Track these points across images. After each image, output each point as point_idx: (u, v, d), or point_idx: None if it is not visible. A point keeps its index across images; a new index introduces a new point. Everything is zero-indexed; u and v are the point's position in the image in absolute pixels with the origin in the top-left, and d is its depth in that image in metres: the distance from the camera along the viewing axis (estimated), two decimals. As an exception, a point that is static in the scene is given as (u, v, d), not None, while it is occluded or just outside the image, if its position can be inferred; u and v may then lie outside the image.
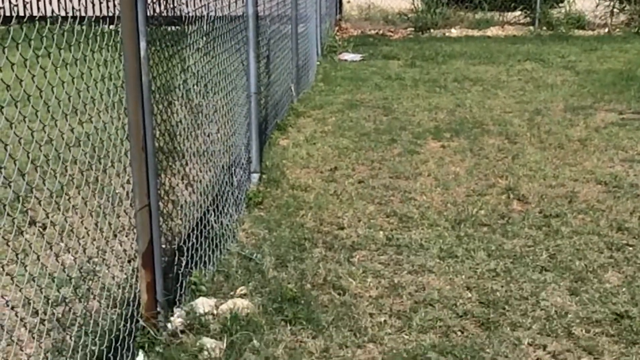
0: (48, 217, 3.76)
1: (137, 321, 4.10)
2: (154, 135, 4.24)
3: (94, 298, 4.01)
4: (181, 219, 4.97)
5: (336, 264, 5.72)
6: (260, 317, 4.62)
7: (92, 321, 3.83)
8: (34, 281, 3.55)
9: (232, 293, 5.00)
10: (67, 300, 4.06)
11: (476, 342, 4.57)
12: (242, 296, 4.96)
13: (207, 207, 5.60)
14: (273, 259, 5.71)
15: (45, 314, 4.20)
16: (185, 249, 4.83)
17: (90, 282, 4.19)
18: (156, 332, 4.10)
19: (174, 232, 4.83)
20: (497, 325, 4.79)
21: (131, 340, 4.01)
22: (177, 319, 4.30)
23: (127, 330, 4.01)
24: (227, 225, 5.90)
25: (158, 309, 4.15)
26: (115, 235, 4.07)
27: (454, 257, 5.90)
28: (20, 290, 3.51)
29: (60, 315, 4.14)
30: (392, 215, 6.88)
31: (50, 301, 4.23)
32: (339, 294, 5.19)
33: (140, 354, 4.01)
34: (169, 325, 4.23)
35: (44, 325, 4.18)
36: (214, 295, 4.93)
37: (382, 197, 7.42)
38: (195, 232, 5.12)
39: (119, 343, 3.89)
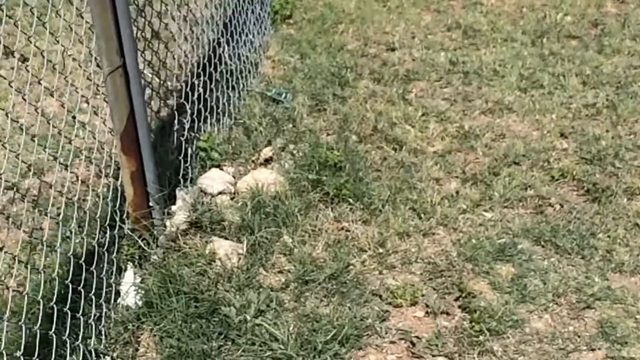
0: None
1: (123, 224, 2.98)
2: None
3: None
4: (180, 65, 3.69)
5: (388, 104, 4.45)
6: (293, 198, 3.46)
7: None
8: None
9: (254, 158, 3.81)
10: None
11: (584, 222, 3.39)
12: (267, 161, 3.78)
13: (217, 38, 4.26)
14: (307, 99, 4.45)
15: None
16: (188, 105, 3.59)
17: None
18: (149, 238, 2.98)
19: (170, 86, 3.58)
20: (610, 193, 3.58)
21: (114, 253, 2.91)
22: (179, 215, 3.14)
23: (109, 239, 2.90)
24: (247, 57, 4.59)
25: (150, 205, 3.00)
26: (80, 109, 2.83)
27: (538, 87, 4.58)
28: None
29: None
30: (454, 28, 5.48)
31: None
32: (395, 150, 3.98)
33: (129, 269, 2.93)
34: (168, 224, 3.09)
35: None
36: (230, 163, 3.75)
37: (440, 2, 5.96)
38: (202, 77, 3.84)
39: (96, 256, 2.79)
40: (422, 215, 3.44)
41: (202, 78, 3.80)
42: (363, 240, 3.28)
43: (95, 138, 2.99)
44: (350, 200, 3.51)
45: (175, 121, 3.43)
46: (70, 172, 2.80)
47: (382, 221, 3.40)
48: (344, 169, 3.71)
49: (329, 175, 3.62)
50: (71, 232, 2.84)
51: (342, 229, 3.38)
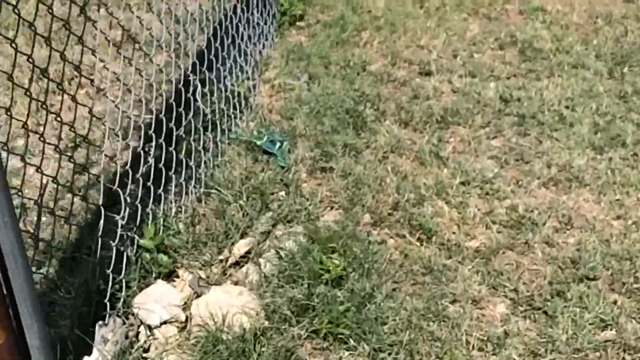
0: None
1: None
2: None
3: None
4: (114, 127, 2.60)
5: (415, 162, 3.35)
6: (266, 339, 2.39)
7: None
8: None
9: (223, 257, 2.73)
10: None
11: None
12: (240, 262, 2.71)
13: (186, 74, 3.14)
14: (309, 149, 3.36)
15: None
16: (125, 190, 2.51)
17: None
18: None
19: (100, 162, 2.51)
20: None
21: None
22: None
23: None
24: (233, 89, 3.49)
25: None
26: None
27: (618, 145, 3.44)
28: None
29: None
30: (508, 45, 4.31)
31: None
32: (421, 241, 2.88)
33: None
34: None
35: None
36: (188, 265, 2.68)
37: (491, 4, 4.78)
38: (154, 140, 2.74)
39: None
40: (454, 380, 2.37)
41: (154, 142, 2.71)
42: None
43: None
44: (351, 340, 2.43)
45: (101, 220, 2.36)
46: None
47: (392, 388, 2.33)
48: (346, 279, 2.64)
49: (323, 294, 2.55)
50: None
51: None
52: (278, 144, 3.33)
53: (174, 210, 2.80)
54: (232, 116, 3.39)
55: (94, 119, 2.80)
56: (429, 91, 3.85)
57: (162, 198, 2.76)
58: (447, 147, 3.45)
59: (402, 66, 4.11)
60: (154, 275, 2.57)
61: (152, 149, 2.63)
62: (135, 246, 2.54)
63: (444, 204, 3.08)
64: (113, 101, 2.52)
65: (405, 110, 3.69)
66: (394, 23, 4.53)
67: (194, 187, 2.93)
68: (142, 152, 2.60)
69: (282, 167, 3.22)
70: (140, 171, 2.57)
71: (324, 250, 2.72)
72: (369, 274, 2.69)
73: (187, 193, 2.91)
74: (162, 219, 2.68)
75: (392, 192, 3.12)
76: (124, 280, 2.44)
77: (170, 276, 2.64)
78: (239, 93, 3.51)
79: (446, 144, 3.47)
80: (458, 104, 3.73)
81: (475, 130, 3.57)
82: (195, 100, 3.03)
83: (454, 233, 2.94)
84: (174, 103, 2.85)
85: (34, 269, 2.35)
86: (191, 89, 2.99)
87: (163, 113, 2.80)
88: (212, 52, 3.25)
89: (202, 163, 3.05)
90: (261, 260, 2.73)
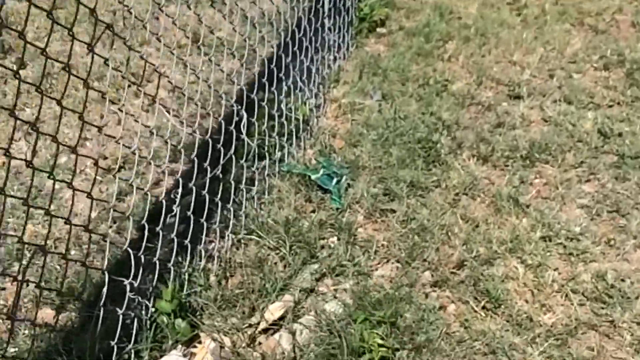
0: None
1: None
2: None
3: None
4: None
5: (490, 207, 2.92)
6: None
7: None
8: None
9: (253, 320, 2.40)
10: None
11: None
12: (271, 328, 2.38)
13: (230, 105, 2.80)
14: (370, 186, 2.98)
15: None
16: (137, 253, 2.22)
17: None
18: None
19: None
20: None
21: None
22: None
23: None
24: (289, 114, 3.14)
25: None
26: None
27: None
28: None
29: None
30: (614, 65, 3.78)
31: None
32: (485, 310, 2.47)
33: None
34: None
35: None
36: (211, 329, 2.37)
37: (599, 13, 4.23)
38: (180, 189, 2.44)
39: None
40: None
41: (180, 188, 2.40)
42: None
43: None
44: None
45: (104, 288, 2.07)
46: None
47: None
48: (391, 359, 2.27)
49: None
50: None
51: None
52: (335, 180, 2.97)
53: (203, 260, 2.49)
54: (287, 144, 3.05)
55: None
56: (515, 119, 3.40)
57: (189, 248, 2.45)
58: (530, 190, 3.00)
59: (489, 86, 3.66)
60: (170, 341, 2.27)
61: (178, 196, 2.32)
62: (148, 310, 2.25)
63: (518, 263, 2.66)
64: (134, 152, 2.20)
65: (485, 142, 3.25)
66: (484, 33, 4.06)
67: (232, 232, 2.61)
68: (164, 201, 2.29)
69: (337, 209, 2.86)
70: (160, 224, 2.26)
71: (370, 321, 2.36)
72: (419, 351, 2.32)
73: (222, 237, 2.60)
74: (186, 274, 2.37)
75: (459, 245, 2.72)
76: (132, 350, 2.15)
77: (192, 340, 2.34)
78: (297, 118, 3.16)
79: (529, 186, 3.03)
80: (548, 137, 3.26)
81: (565, 170, 3.10)
82: (240, 132, 2.70)
83: (526, 302, 2.52)
84: (209, 140, 2.53)
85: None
86: (235, 119, 2.67)
87: (195, 153, 2.47)
88: (265, 76, 2.91)
89: (244, 201, 2.73)
90: (296, 326, 2.39)
